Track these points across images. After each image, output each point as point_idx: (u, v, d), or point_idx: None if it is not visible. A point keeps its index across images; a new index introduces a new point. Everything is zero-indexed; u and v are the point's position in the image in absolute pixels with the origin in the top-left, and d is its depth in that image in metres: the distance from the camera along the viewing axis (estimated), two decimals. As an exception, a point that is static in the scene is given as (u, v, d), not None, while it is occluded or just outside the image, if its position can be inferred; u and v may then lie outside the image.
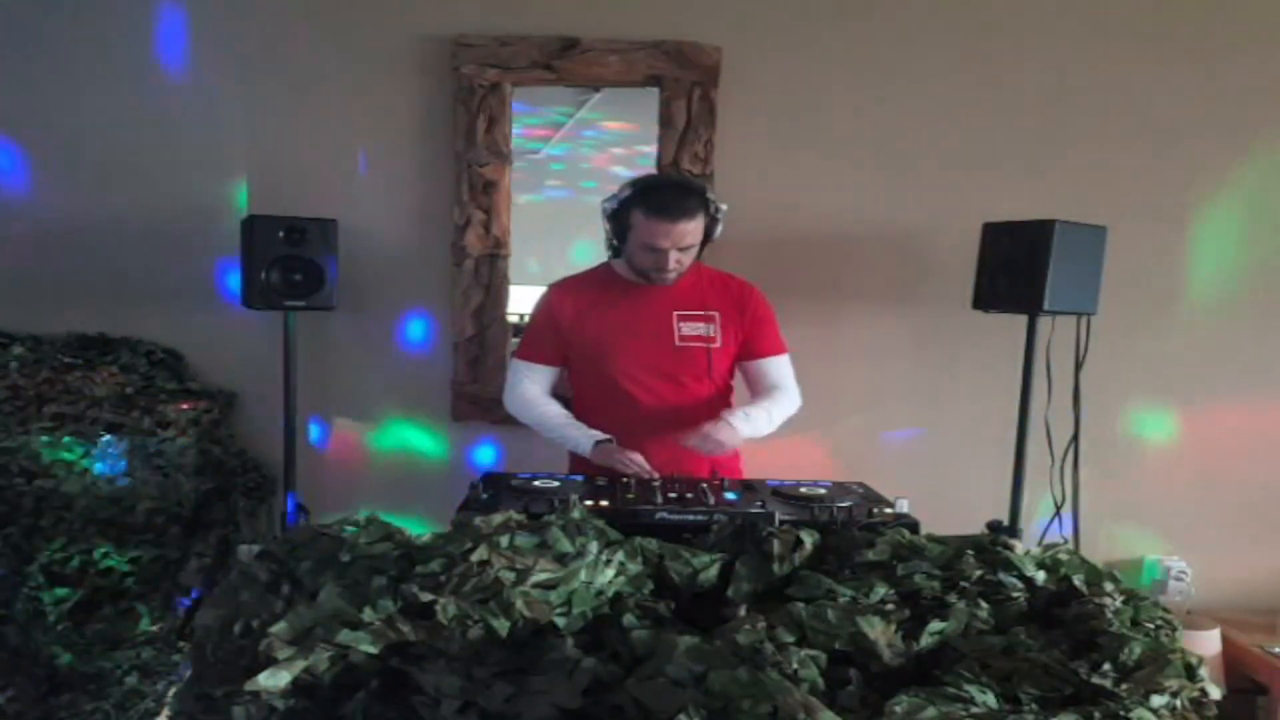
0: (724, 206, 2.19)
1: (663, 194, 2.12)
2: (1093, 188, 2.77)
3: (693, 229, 2.11)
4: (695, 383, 2.24)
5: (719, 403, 2.28)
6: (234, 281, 2.70)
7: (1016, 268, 2.40)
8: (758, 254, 2.72)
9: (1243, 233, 2.86)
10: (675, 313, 2.23)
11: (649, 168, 2.82)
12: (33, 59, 2.74)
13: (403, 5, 2.75)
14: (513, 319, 2.98)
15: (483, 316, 2.85)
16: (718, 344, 2.23)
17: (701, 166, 2.75)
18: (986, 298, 2.53)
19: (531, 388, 2.28)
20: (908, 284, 2.86)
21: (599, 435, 2.14)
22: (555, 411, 2.25)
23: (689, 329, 2.23)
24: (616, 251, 2.24)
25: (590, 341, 2.24)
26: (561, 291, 2.31)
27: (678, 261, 2.14)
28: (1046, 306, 2.36)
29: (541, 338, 2.30)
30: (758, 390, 2.29)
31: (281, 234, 2.46)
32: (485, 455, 2.91)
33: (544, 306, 2.32)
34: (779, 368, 2.30)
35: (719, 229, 2.21)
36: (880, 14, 2.76)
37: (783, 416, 2.24)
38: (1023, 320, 2.49)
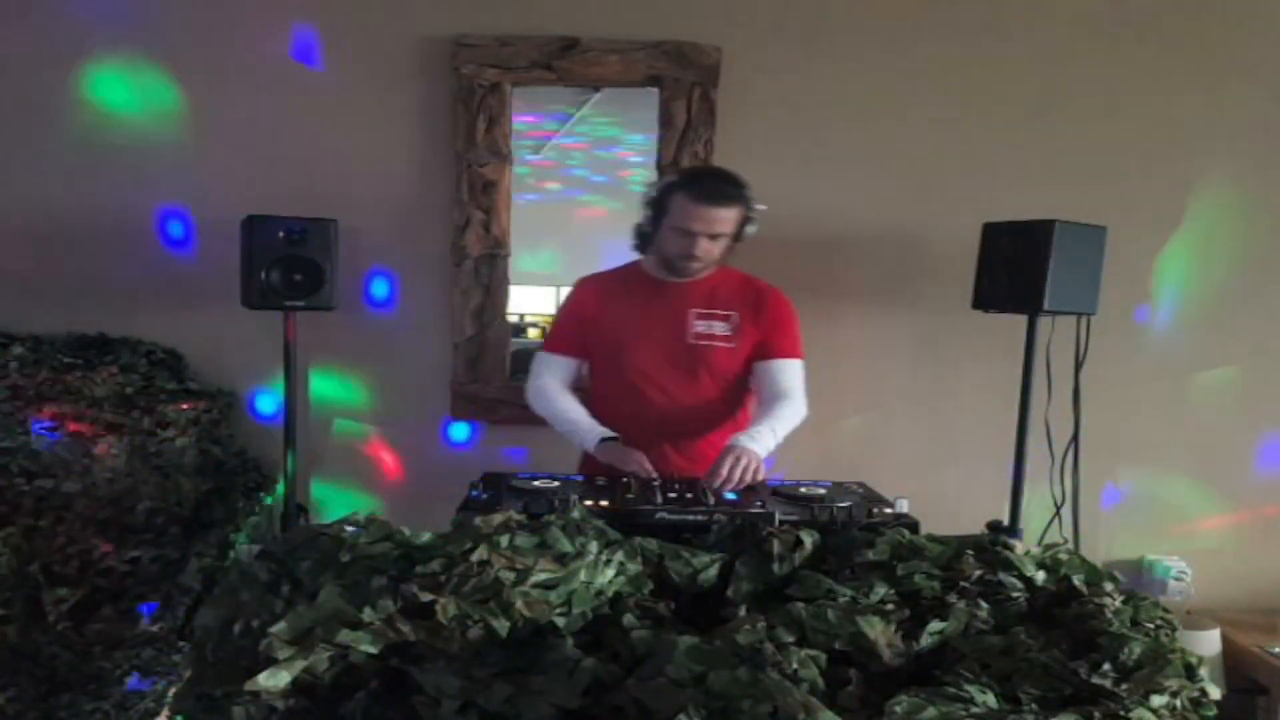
0: (762, 207, 2.21)
1: (707, 179, 2.17)
2: (1093, 188, 2.77)
3: (727, 218, 2.14)
4: (709, 382, 2.24)
5: (731, 403, 2.27)
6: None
7: (1016, 268, 2.40)
8: (758, 254, 2.71)
9: (1242, 232, 2.86)
10: (692, 310, 2.24)
11: (648, 168, 2.82)
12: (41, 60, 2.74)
13: (403, 5, 2.74)
14: (512, 319, 2.98)
15: (483, 316, 2.85)
16: (732, 344, 2.24)
17: (701, 166, 2.75)
18: (986, 298, 2.53)
19: (551, 381, 2.31)
20: (908, 284, 2.86)
21: (605, 433, 2.15)
22: (568, 405, 2.27)
23: (703, 327, 2.23)
24: (645, 239, 2.25)
25: (608, 335, 2.27)
26: (588, 286, 2.36)
27: (706, 250, 2.16)
28: (1046, 306, 2.36)
29: (564, 331, 2.35)
30: (763, 394, 2.26)
31: (281, 234, 2.46)
32: (481, 449, 2.91)
33: (570, 300, 2.37)
34: (788, 372, 2.25)
35: (751, 229, 2.22)
36: (880, 14, 2.76)
37: (786, 430, 2.16)
38: (1023, 320, 2.49)
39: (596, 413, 2.24)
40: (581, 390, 2.37)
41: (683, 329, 2.23)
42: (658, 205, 2.20)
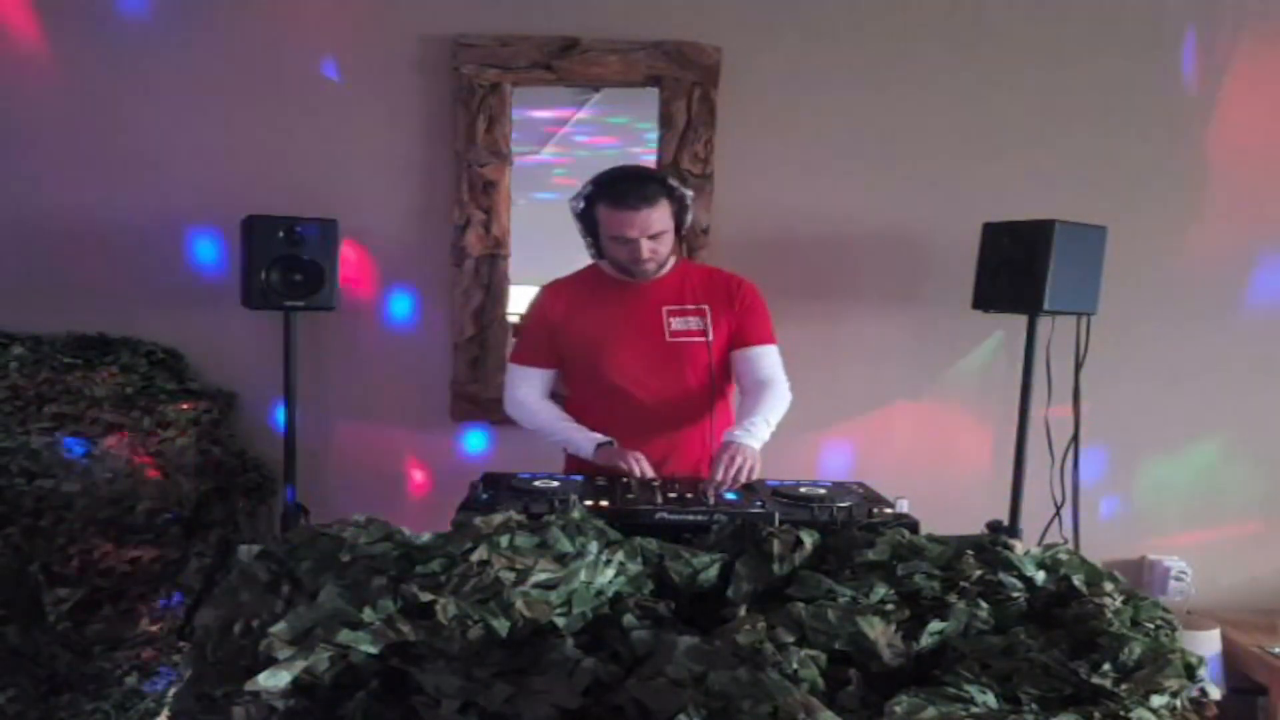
0: (689, 193, 2.19)
1: (622, 184, 2.12)
2: (1093, 188, 2.77)
3: (658, 216, 2.11)
4: (691, 378, 2.23)
5: (715, 397, 2.27)
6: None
7: (1016, 268, 2.40)
8: (758, 254, 2.72)
9: (1242, 232, 2.86)
10: (665, 308, 2.22)
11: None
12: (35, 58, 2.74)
13: (403, 5, 2.75)
14: (513, 319, 2.98)
15: (483, 316, 2.85)
16: (709, 338, 2.22)
17: (701, 166, 2.75)
18: (986, 298, 2.53)
19: (529, 392, 2.30)
20: (908, 284, 2.86)
21: (600, 437, 2.14)
22: (554, 415, 2.26)
23: (679, 324, 2.22)
24: (599, 250, 2.24)
25: (582, 341, 2.25)
26: (551, 293, 2.33)
27: (652, 251, 2.13)
28: (1046, 306, 2.36)
29: (534, 341, 2.32)
30: (745, 383, 2.26)
31: (281, 234, 2.46)
32: (481, 449, 2.91)
33: (535, 309, 2.34)
34: (767, 359, 2.25)
35: (689, 216, 2.20)
36: (880, 14, 2.76)
37: (777, 418, 2.18)
38: (1023, 320, 2.49)
39: (577, 418, 2.23)
40: (558, 396, 2.36)
41: (659, 327, 2.22)
42: (587, 218, 2.18)
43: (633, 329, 2.22)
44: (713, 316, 2.23)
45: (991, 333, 2.66)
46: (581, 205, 2.17)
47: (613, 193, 2.11)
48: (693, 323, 2.22)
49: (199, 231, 2.79)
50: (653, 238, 2.12)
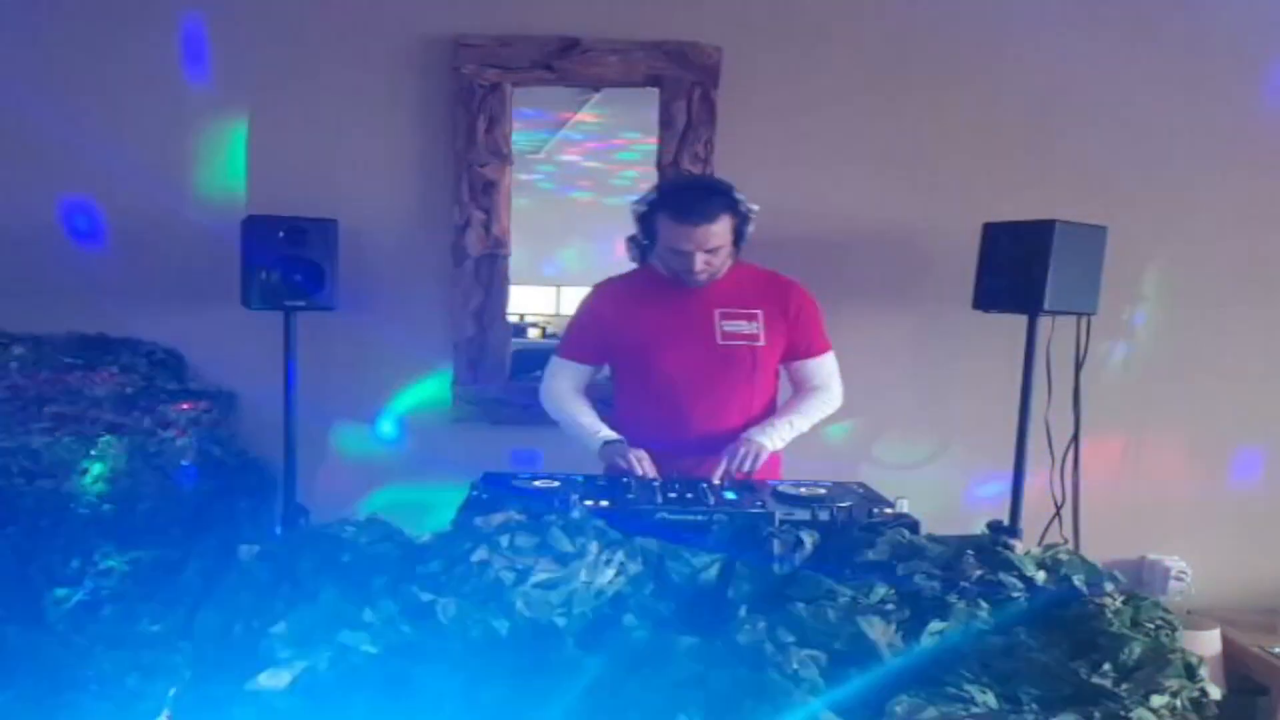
0: (755, 207, 2.17)
1: (685, 197, 2.12)
2: (1093, 188, 2.77)
3: (717, 231, 2.10)
4: (741, 382, 2.22)
5: (764, 399, 2.27)
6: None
7: (1016, 268, 2.40)
8: (757, 254, 2.70)
9: (1242, 232, 2.86)
10: (717, 311, 2.21)
11: (649, 169, 2.82)
12: (38, 60, 2.74)
13: (403, 5, 2.75)
14: (513, 319, 2.98)
15: (483, 316, 2.85)
16: (762, 343, 2.22)
17: (701, 167, 2.75)
18: (986, 298, 2.53)
19: (563, 384, 2.32)
20: (908, 284, 2.86)
21: (608, 435, 2.15)
22: (577, 409, 2.28)
23: (731, 327, 2.21)
24: (644, 252, 2.24)
25: (632, 342, 2.25)
26: (604, 292, 2.34)
27: (706, 263, 2.13)
28: (1046, 306, 2.36)
29: (580, 337, 2.33)
30: (799, 389, 2.31)
31: (281, 234, 2.46)
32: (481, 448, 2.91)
33: (586, 306, 2.35)
34: (822, 368, 2.30)
35: (750, 228, 2.18)
36: (880, 14, 2.76)
37: (812, 420, 2.25)
38: (1023, 320, 2.49)
39: (625, 420, 2.24)
40: (597, 387, 2.38)
41: (710, 330, 2.21)
42: (648, 223, 2.18)
43: (684, 331, 2.22)
44: (766, 321, 2.23)
45: (992, 332, 2.66)
46: (644, 209, 2.17)
47: (675, 204, 2.10)
48: (745, 326, 2.22)
49: (198, 231, 2.79)
50: (710, 251, 2.12)
